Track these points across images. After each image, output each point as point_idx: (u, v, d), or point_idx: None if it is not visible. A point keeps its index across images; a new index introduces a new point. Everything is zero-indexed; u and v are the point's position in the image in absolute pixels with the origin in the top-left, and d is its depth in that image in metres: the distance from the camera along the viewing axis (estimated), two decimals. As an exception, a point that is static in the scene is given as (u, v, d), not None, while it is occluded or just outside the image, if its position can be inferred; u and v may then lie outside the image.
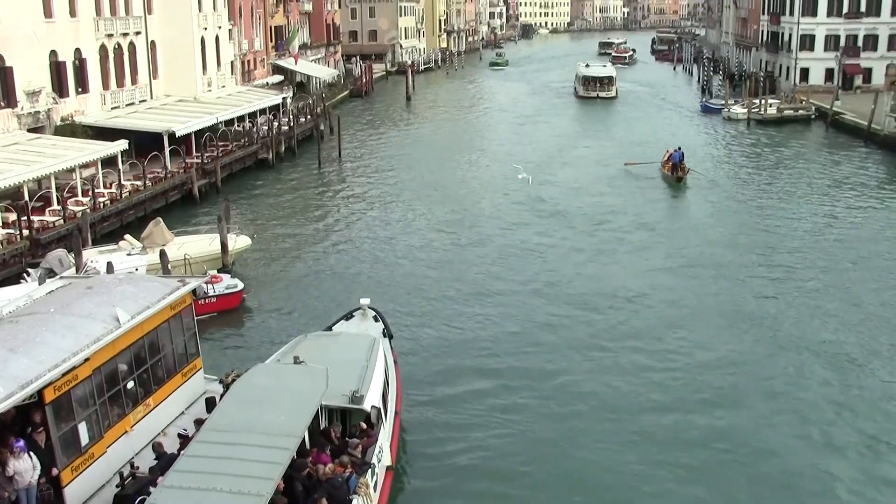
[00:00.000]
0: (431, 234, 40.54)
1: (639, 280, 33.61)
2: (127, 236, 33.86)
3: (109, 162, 43.06)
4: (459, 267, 35.49)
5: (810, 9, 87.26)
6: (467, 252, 37.69)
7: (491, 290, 32.55)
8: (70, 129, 46.66)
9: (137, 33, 55.64)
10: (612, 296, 31.74)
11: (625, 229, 41.44)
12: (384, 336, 22.91)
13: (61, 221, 36.36)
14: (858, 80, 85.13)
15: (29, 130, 44.00)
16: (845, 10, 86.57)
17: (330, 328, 23.28)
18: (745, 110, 75.96)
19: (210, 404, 18.63)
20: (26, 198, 36.50)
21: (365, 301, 23.92)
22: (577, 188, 50.78)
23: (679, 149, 53.40)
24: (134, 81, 55.52)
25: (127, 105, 53.34)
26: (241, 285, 30.85)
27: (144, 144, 47.40)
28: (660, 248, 38.23)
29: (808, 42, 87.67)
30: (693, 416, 22.62)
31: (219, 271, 31.73)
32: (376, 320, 23.46)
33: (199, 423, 17.12)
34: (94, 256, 30.85)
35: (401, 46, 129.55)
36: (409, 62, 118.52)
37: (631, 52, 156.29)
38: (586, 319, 29.54)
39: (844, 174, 54.47)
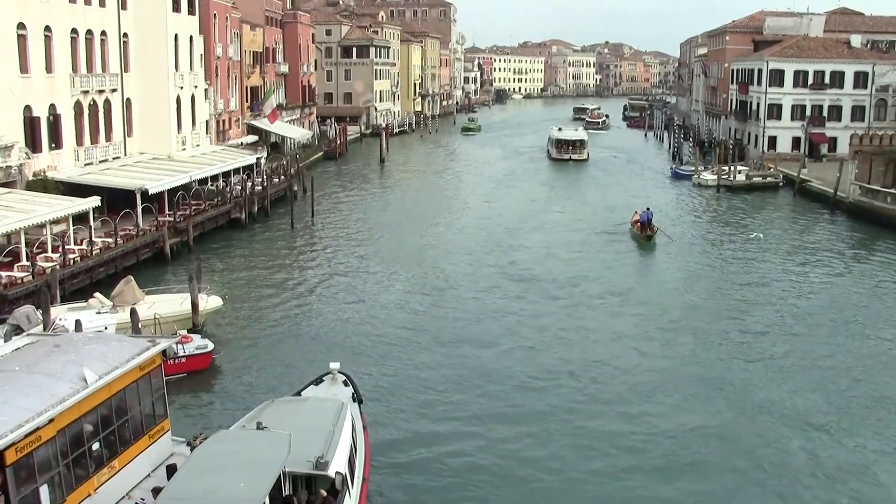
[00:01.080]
0: (403, 298, 40.41)
1: (612, 345, 33.65)
2: (97, 294, 33.51)
3: (81, 218, 42.78)
4: (431, 331, 35.32)
5: (777, 80, 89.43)
6: (440, 316, 37.54)
7: (463, 354, 32.41)
8: (42, 185, 46.33)
9: (113, 90, 55.75)
10: (584, 360, 31.70)
11: (597, 292, 41.59)
12: (354, 401, 22.75)
13: (30, 277, 35.92)
14: (824, 149, 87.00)
15: (0, 185, 43.69)
16: (810, 81, 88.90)
17: (299, 393, 23.14)
18: (715, 177, 77.02)
19: (171, 471, 18.32)
20: (-5, 253, 36.16)
21: (335, 365, 23.80)
22: (549, 251, 51.00)
23: (648, 209, 55.54)
24: (108, 138, 55.46)
25: (100, 161, 53.15)
26: (211, 346, 30.56)
27: (117, 201, 47.17)
28: (632, 313, 38.34)
29: (775, 111, 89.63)
30: (665, 481, 22.52)
31: (189, 331, 31.47)
32: (346, 384, 23.33)
33: (156, 491, 16.79)
34: (63, 314, 30.46)
35: (375, 109, 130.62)
36: (384, 125, 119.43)
37: (604, 118, 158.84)
38: (559, 384, 29.44)
39: (811, 240, 55.32)
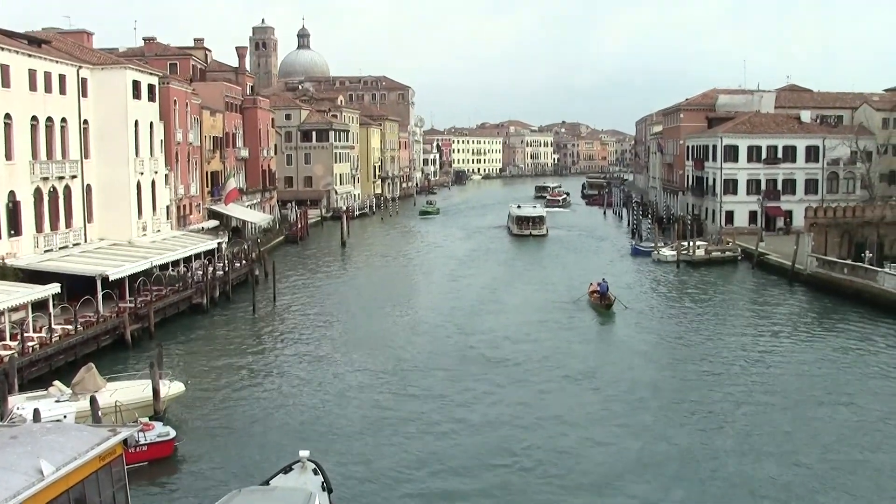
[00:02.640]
0: (368, 382, 39.94)
1: (579, 424, 33.53)
2: (56, 382, 32.95)
3: (40, 305, 42.23)
4: (398, 416, 34.83)
5: (732, 155, 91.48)
6: (405, 400, 37.06)
7: (429, 441, 32.00)
8: (1, 272, 45.74)
9: (73, 176, 55.59)
10: (551, 442, 31.53)
11: (561, 370, 41.52)
12: (323, 490, 22.37)
13: (-13, 367, 35.24)
14: (780, 222, 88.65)
15: (-42, 274, 43.14)
16: (764, 156, 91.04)
17: (267, 482, 22.71)
18: (675, 252, 77.86)
19: None
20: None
21: (304, 453, 23.40)
22: (511, 329, 50.94)
23: (604, 280, 58.24)
24: (68, 224, 55.09)
25: (60, 248, 52.74)
26: (173, 433, 30.02)
27: (77, 288, 46.68)
28: (597, 390, 38.33)
29: (731, 186, 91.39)
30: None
31: (151, 418, 30.93)
32: (316, 473, 22.92)
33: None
34: (21, 403, 29.89)
35: (336, 192, 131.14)
36: (344, 208, 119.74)
37: (565, 196, 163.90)
38: (525, 467, 29.22)
39: (771, 312, 55.92)
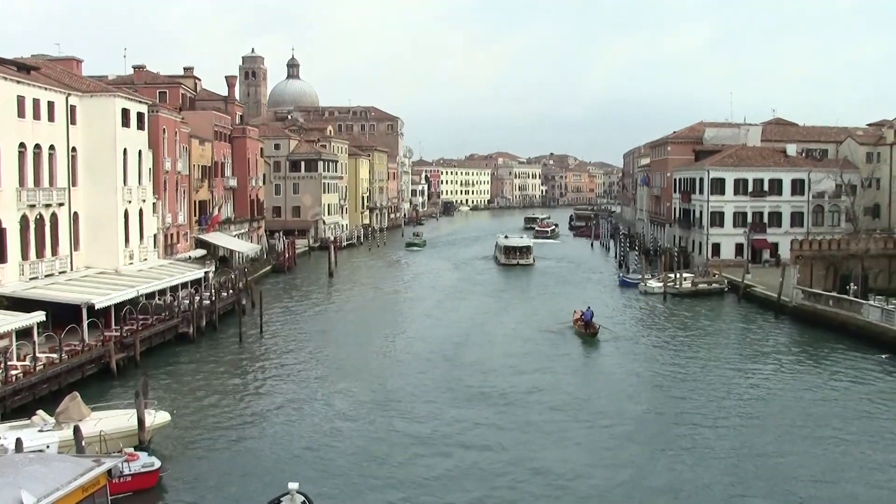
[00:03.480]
0: (356, 414, 39.72)
1: (564, 462, 33.37)
2: (39, 411, 32.68)
3: (25, 333, 41.98)
4: (388, 449, 34.51)
5: (718, 188, 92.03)
6: (395, 433, 36.71)
7: (418, 470, 31.90)
8: (-15, 301, 45.57)
9: (60, 204, 55.44)
10: (534, 475, 31.42)
11: (549, 401, 41.44)
12: None
13: (-30, 396, 34.99)
14: (766, 254, 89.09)
15: (-58, 301, 42.87)
16: (750, 189, 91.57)
17: None
18: (661, 284, 78.08)
19: None
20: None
21: (293, 485, 23.28)
22: (498, 359, 50.89)
23: (588, 308, 59.73)
24: (55, 252, 54.88)
25: (46, 276, 52.49)
26: (158, 463, 29.83)
27: (63, 316, 46.44)
28: (585, 422, 38.26)
29: (717, 219, 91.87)
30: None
31: (136, 448, 30.68)
32: None
33: None
34: (4, 432, 29.65)
35: (324, 222, 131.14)
36: (332, 238, 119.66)
37: (554, 227, 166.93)
38: (511, 500, 29.12)
39: (758, 344, 56.18)
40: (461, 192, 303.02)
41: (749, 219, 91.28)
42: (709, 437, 35.70)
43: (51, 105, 55.04)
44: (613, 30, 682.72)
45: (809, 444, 34.78)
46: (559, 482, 30.54)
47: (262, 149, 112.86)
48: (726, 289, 78.09)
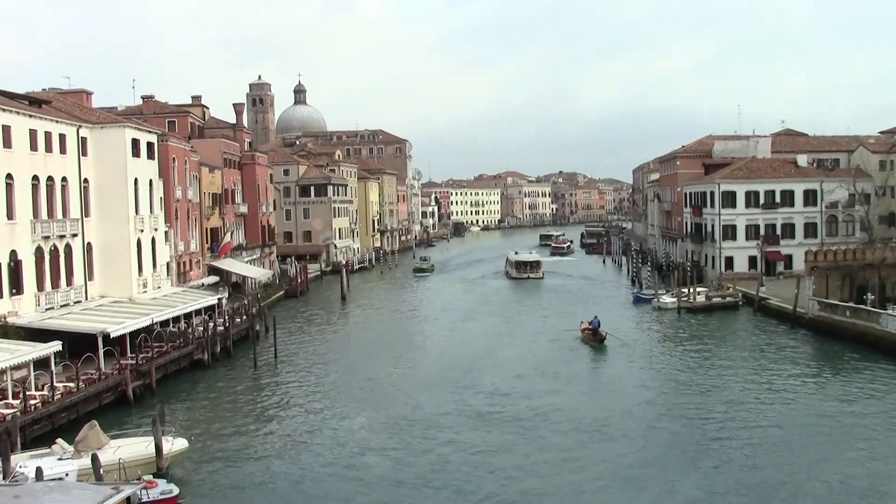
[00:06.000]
0: (373, 438, 39.49)
1: (587, 481, 33.19)
2: (59, 440, 32.76)
3: (42, 363, 42.08)
4: (412, 476, 34.12)
5: (730, 201, 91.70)
6: (416, 459, 36.31)
7: (442, 498, 31.55)
8: (2, 331, 45.68)
9: (74, 235, 55.74)
10: (554, 495, 31.18)
11: (568, 421, 41.29)
12: None
13: (-11, 426, 35.03)
14: (780, 267, 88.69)
15: (-40, 333, 43.03)
16: (762, 201, 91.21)
17: None
18: (675, 299, 77.78)
19: None
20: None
21: None
22: (512, 385, 50.40)
23: (595, 317, 63.32)
24: (69, 282, 55.12)
25: (62, 306, 52.73)
26: (176, 490, 29.76)
27: (79, 345, 46.59)
28: (601, 441, 38.05)
29: (730, 232, 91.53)
30: None
31: (154, 476, 30.67)
32: None
33: None
34: (24, 461, 29.69)
35: (335, 246, 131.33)
36: (344, 262, 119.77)
37: (569, 244, 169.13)
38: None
39: (775, 356, 55.86)
40: (471, 212, 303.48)
41: (762, 231, 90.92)
42: (729, 452, 35.41)
43: (62, 138, 55.45)
44: (605, 52, 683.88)
45: (834, 458, 34.37)
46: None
47: (271, 175, 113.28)
48: (741, 302, 77.73)
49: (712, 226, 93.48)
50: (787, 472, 32.64)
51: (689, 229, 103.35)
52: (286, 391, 50.18)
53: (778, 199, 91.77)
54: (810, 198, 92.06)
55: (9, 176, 49.20)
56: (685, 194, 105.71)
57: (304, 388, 50.72)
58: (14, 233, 49.47)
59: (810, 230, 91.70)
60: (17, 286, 49.48)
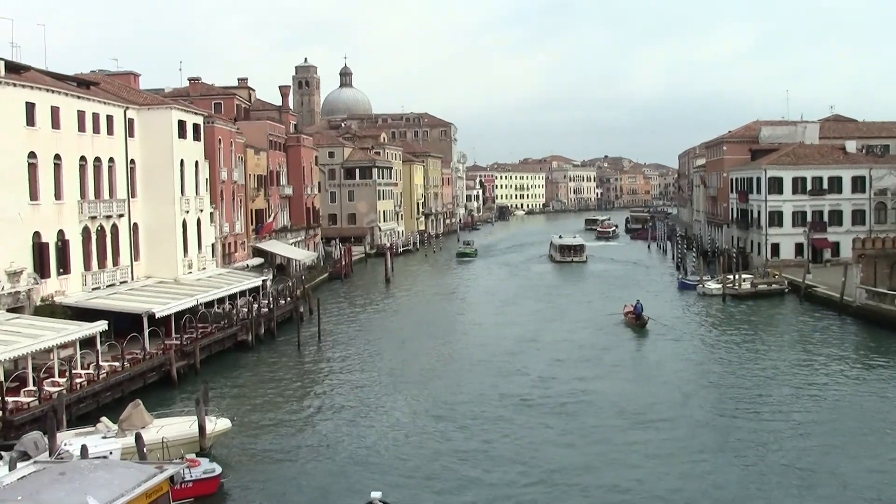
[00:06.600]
0: (418, 419, 39.53)
1: (633, 469, 32.97)
2: (103, 418, 33.24)
3: (88, 342, 42.71)
4: (458, 458, 33.86)
5: (776, 187, 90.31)
6: (462, 441, 36.09)
7: (491, 478, 31.40)
8: (50, 310, 46.44)
9: (121, 216, 56.43)
10: (609, 486, 31.09)
11: (613, 408, 41.02)
12: None
13: (36, 402, 35.70)
14: (827, 254, 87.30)
15: (8, 310, 43.76)
16: (809, 187, 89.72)
17: None
18: (720, 286, 76.92)
19: None
20: (1, 378, 35.96)
21: (376, 494, 22.76)
22: (557, 369, 50.41)
23: (638, 301, 64.28)
24: (115, 263, 55.86)
25: (108, 286, 53.42)
26: (219, 470, 30.09)
27: (124, 325, 47.17)
28: (649, 430, 37.76)
29: (776, 218, 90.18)
30: None
31: (197, 455, 31.03)
32: None
33: None
34: (70, 439, 30.18)
35: (379, 229, 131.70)
36: (388, 245, 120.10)
37: (614, 228, 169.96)
38: None
39: (822, 345, 55.07)
40: (516, 196, 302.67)
41: (808, 218, 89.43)
42: (777, 442, 34.87)
43: (110, 119, 56.09)
44: (651, 35, 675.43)
45: (881, 450, 33.74)
46: (630, 495, 30.10)
47: (316, 157, 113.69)
48: (787, 289, 76.69)
49: (758, 212, 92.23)
50: (832, 463, 32.17)
51: (734, 215, 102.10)
52: (329, 373, 50.49)
53: (825, 186, 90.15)
54: (858, 184, 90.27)
55: (57, 156, 49.88)
56: (731, 180, 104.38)
57: (347, 371, 50.98)
58: (61, 213, 50.19)
59: (858, 217, 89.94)
60: (64, 266, 50.23)
